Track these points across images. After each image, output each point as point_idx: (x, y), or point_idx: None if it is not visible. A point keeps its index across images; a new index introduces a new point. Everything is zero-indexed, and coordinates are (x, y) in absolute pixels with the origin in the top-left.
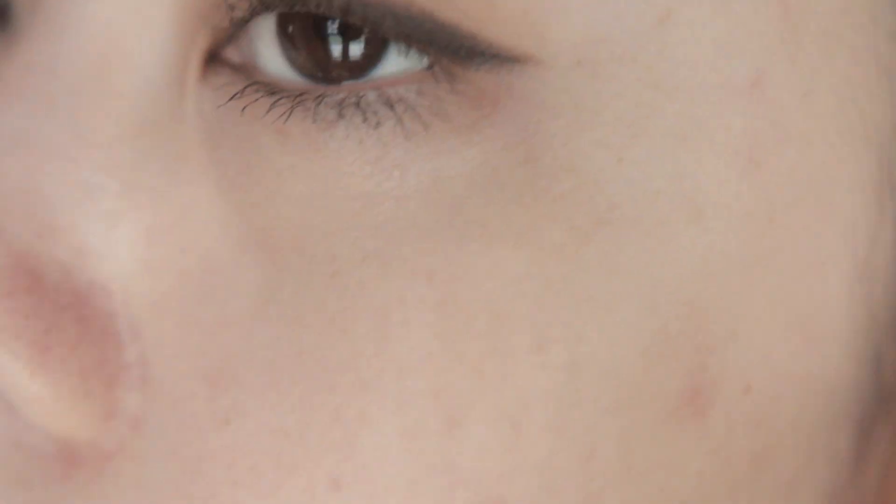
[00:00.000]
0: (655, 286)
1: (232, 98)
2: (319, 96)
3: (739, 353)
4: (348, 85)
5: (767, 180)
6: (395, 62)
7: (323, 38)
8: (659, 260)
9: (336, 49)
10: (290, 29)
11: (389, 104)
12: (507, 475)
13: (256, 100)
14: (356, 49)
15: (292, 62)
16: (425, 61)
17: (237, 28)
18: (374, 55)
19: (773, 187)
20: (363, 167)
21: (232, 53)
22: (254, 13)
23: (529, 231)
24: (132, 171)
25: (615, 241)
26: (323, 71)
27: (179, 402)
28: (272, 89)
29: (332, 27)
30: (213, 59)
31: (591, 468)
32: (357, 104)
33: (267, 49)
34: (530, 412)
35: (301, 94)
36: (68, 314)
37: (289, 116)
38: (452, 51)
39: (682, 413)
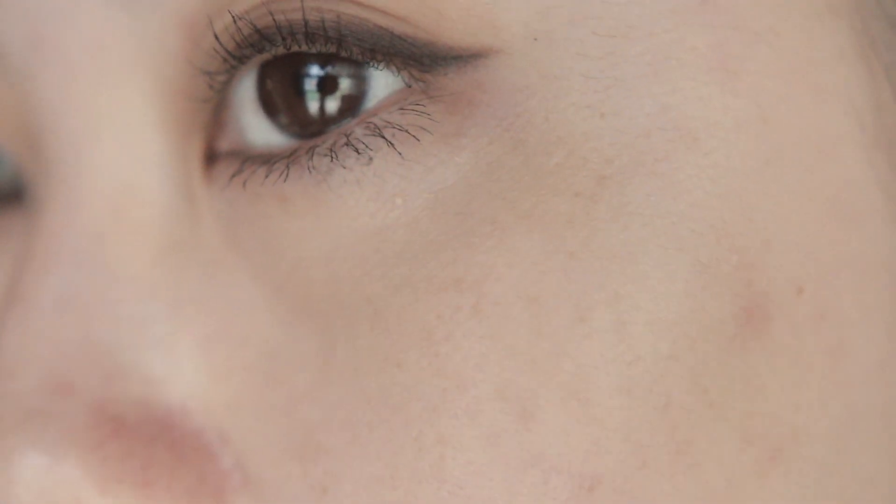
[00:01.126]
0: (675, 222)
1: (232, 177)
2: (310, 149)
3: (779, 259)
4: (334, 130)
5: (749, 84)
6: (372, 101)
7: (300, 96)
8: (670, 196)
9: (314, 106)
10: (269, 85)
11: (377, 132)
12: (594, 450)
13: (254, 171)
14: (333, 103)
15: (277, 125)
16: (399, 81)
17: (220, 94)
18: (350, 106)
19: (757, 89)
20: (367, 206)
21: (223, 143)
22: (230, 69)
23: (536, 211)
24: (172, 290)
25: (621, 192)
26: (306, 127)
27: (280, 487)
28: (266, 158)
29: (310, 84)
30: (210, 157)
31: (671, 417)
32: (347, 143)
33: (252, 119)
34: (594, 382)
35: (293, 153)
36: (159, 444)
37: (286, 178)
38: (416, 59)
39: (744, 335)
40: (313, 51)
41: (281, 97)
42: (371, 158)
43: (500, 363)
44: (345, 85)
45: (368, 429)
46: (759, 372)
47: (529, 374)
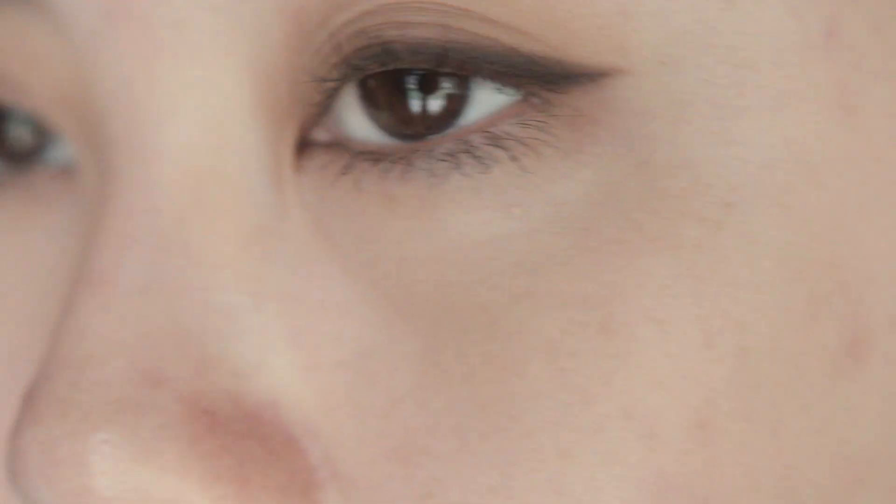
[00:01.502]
0: (795, 254)
1: (337, 171)
2: (428, 151)
3: (881, 293)
4: (451, 134)
5: (864, 122)
6: (478, 108)
7: (403, 94)
8: (791, 227)
9: (416, 104)
10: (371, 84)
11: (497, 142)
12: (707, 472)
13: (360, 167)
14: (436, 103)
15: (377, 123)
16: (517, 95)
17: (328, 98)
18: (454, 108)
19: (871, 128)
20: (482, 214)
21: (318, 133)
22: (344, 79)
23: (664, 234)
24: (258, 282)
25: (745, 220)
26: (407, 125)
27: (376, 487)
28: (377, 157)
29: (411, 81)
30: (302, 144)
31: (779, 444)
32: (466, 150)
33: (351, 115)
34: (715, 406)
35: (406, 153)
36: (251, 440)
37: (396, 177)
38: (543, 78)
39: (846, 366)
40: (442, 70)
41: (383, 94)
42: (489, 167)
43: (626, 382)
44: (447, 84)
45: (481, 437)
46: (857, 402)
47: (655, 395)
